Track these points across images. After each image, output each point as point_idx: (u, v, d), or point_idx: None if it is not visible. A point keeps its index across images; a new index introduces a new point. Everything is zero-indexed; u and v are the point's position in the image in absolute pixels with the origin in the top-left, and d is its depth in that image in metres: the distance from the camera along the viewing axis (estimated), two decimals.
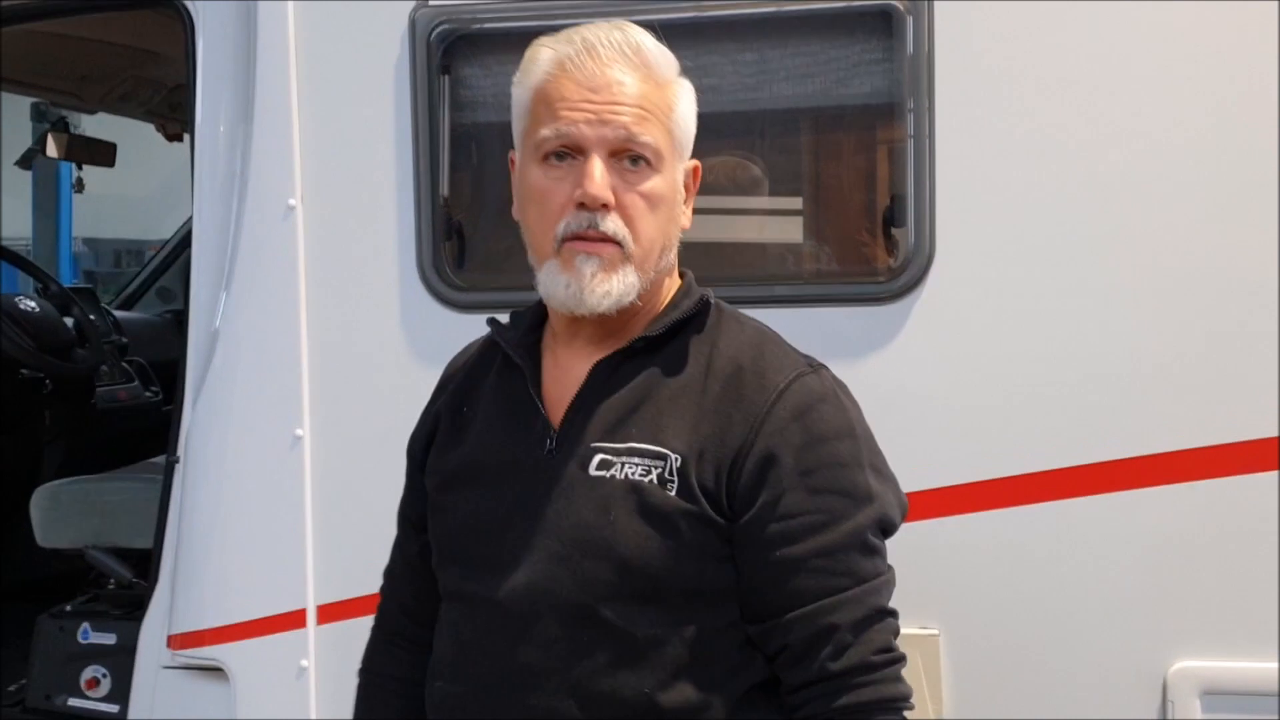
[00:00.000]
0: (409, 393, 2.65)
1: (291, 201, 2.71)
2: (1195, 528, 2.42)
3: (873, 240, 2.57)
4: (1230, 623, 2.41)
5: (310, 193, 2.72)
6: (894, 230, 2.50)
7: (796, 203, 2.65)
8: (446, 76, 2.65)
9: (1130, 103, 2.41)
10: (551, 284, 1.66)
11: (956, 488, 2.45)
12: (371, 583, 2.63)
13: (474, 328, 2.61)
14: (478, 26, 2.64)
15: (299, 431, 2.71)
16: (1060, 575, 2.46)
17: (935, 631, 2.45)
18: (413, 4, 2.64)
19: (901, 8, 2.44)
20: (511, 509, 1.70)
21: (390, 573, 1.98)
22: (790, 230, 2.65)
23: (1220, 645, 2.42)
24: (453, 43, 2.64)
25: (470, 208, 2.75)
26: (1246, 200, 2.39)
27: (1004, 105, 2.44)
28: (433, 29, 2.63)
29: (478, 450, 1.76)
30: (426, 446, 1.86)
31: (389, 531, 2.63)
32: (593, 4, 2.55)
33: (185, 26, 2.90)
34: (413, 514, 1.90)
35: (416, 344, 2.69)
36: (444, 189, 2.67)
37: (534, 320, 1.81)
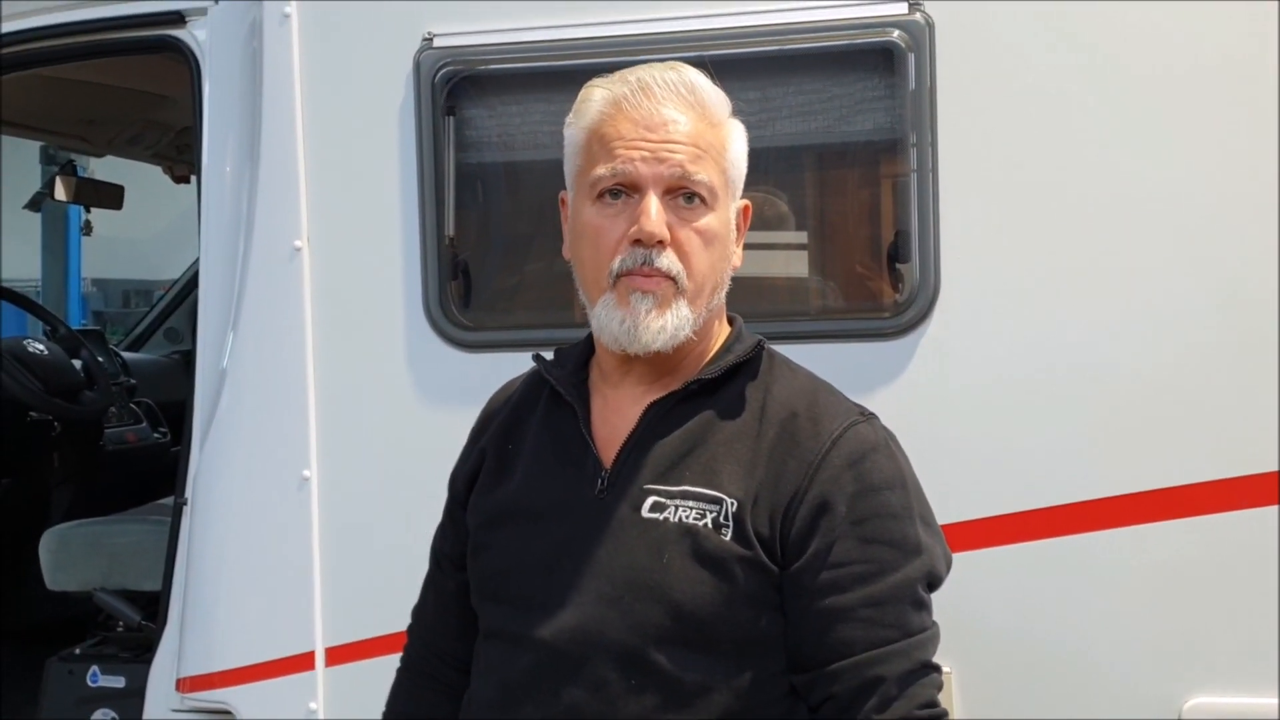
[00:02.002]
0: (416, 432, 2.68)
1: (297, 243, 2.72)
2: (1209, 563, 2.40)
3: (878, 275, 2.57)
4: (1245, 659, 2.39)
5: (316, 234, 2.73)
6: (899, 265, 2.50)
7: (802, 239, 2.65)
8: (451, 117, 2.67)
9: (1133, 135, 2.41)
10: (606, 320, 1.67)
11: (967, 523, 2.43)
12: (380, 624, 2.65)
13: (481, 367, 2.65)
14: (482, 68, 2.65)
15: (306, 473, 2.70)
16: (1073, 611, 2.45)
17: (947, 669, 2.42)
18: (417, 46, 2.66)
19: (903, 45, 2.45)
20: (559, 549, 1.68)
21: (420, 611, 1.96)
22: (796, 266, 2.65)
23: (1235, 681, 2.39)
24: (457, 84, 2.65)
25: (476, 247, 2.76)
26: (1254, 232, 2.38)
27: (1006, 138, 2.45)
28: (437, 70, 2.64)
29: (525, 488, 1.76)
30: (470, 483, 1.85)
31: (397, 573, 2.63)
32: (595, 48, 2.57)
33: (191, 70, 2.93)
34: (452, 551, 1.88)
35: (423, 384, 2.69)
36: (449, 229, 2.67)
37: (581, 358, 1.81)
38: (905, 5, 2.46)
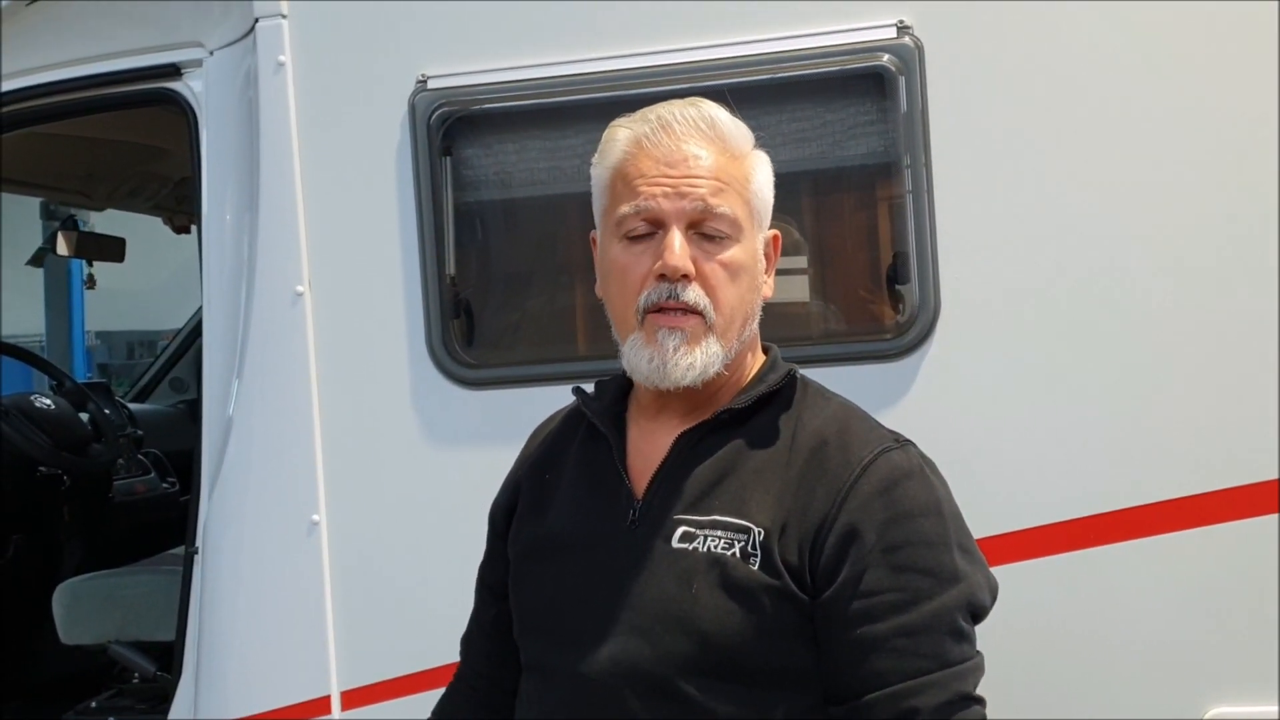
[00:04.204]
0: (423, 471, 2.69)
1: (299, 288, 2.73)
2: (1228, 571, 2.39)
3: (878, 298, 2.58)
4: (1267, 668, 2.37)
5: (318, 278, 2.74)
6: (898, 287, 2.51)
7: (803, 263, 2.66)
8: (448, 157, 2.68)
9: (1125, 148, 2.42)
10: (635, 358, 1.69)
11: (979, 542, 2.43)
12: (395, 666, 2.66)
13: (485, 404, 2.66)
14: (476, 107, 2.67)
15: (315, 517, 2.71)
16: (1091, 624, 2.44)
17: None
18: (412, 88, 2.67)
19: (893, 68, 2.47)
20: (594, 581, 1.70)
21: (467, 640, 1.98)
22: (798, 291, 2.66)
23: (1257, 691, 2.38)
24: (453, 124, 2.67)
25: (477, 285, 2.77)
26: (1254, 242, 2.38)
27: (999, 157, 2.46)
28: (432, 112, 2.66)
29: (561, 521, 1.78)
30: (509, 515, 1.87)
31: (411, 613, 2.65)
32: (588, 83, 2.59)
33: (188, 120, 2.95)
34: (495, 582, 1.89)
35: (429, 423, 2.69)
36: (450, 268, 2.69)
37: (619, 390, 1.83)
38: (894, 29, 2.48)
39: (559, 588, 1.74)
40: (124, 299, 13.10)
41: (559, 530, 1.77)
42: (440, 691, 2.00)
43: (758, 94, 2.51)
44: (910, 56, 2.47)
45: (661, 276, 1.66)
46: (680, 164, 1.67)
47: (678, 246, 1.65)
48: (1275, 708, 2.37)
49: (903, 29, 2.48)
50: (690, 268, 1.65)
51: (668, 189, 1.66)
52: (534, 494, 1.84)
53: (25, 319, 12.55)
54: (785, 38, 2.52)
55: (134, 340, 15.47)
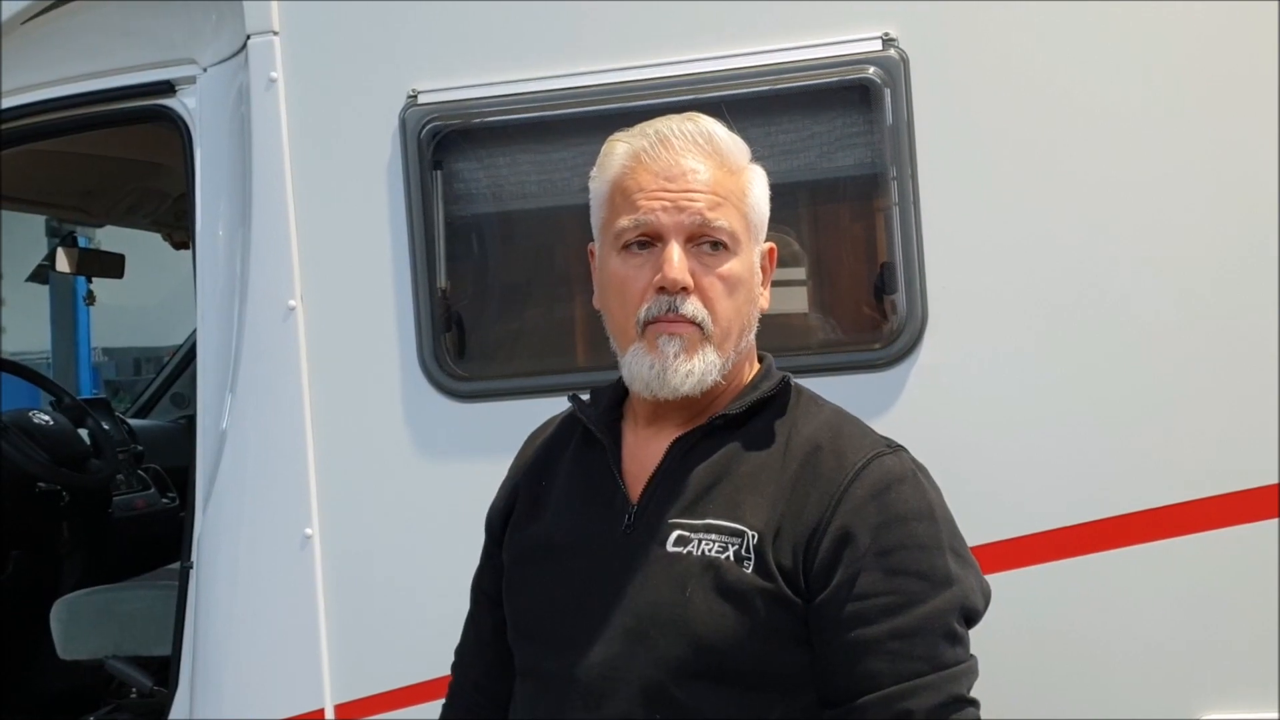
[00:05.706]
0: (415, 485, 2.69)
1: (291, 302, 2.74)
2: (1221, 577, 2.39)
3: (866, 308, 2.58)
4: (1261, 673, 2.37)
5: (310, 293, 2.75)
6: (886, 297, 2.51)
7: (792, 275, 2.67)
8: (439, 171, 2.69)
9: (1112, 157, 2.42)
10: (636, 366, 1.71)
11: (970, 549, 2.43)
12: (388, 679, 2.66)
13: (477, 417, 2.67)
14: (466, 122, 2.68)
15: (308, 530, 2.71)
16: (1082, 630, 2.44)
17: None
18: (402, 103, 2.69)
19: (879, 80, 2.48)
20: (588, 585, 1.71)
21: (461, 650, 1.99)
22: (787, 302, 2.67)
23: (1251, 697, 2.38)
24: (443, 138, 2.68)
25: (468, 298, 2.78)
26: (1250, 246, 2.38)
27: (986, 167, 2.46)
28: (423, 126, 2.67)
29: (556, 525, 1.79)
30: (505, 520, 1.88)
31: (404, 626, 2.66)
32: (577, 97, 2.60)
33: (182, 137, 2.97)
34: (490, 589, 1.90)
35: (421, 436, 2.70)
36: (441, 281, 2.70)
37: (615, 397, 1.85)
38: (879, 42, 2.49)
39: (553, 592, 1.75)
40: (131, 315, 13.14)
41: (554, 535, 1.78)
42: (434, 705, 2.00)
43: (745, 106, 2.52)
44: (896, 69, 2.47)
45: (661, 289, 1.68)
46: (679, 178, 1.70)
47: (676, 260, 1.67)
48: (1267, 713, 2.36)
49: (888, 41, 2.49)
50: (689, 281, 1.68)
51: (666, 203, 1.69)
52: (529, 499, 1.86)
53: (32, 335, 12.59)
54: (772, 50, 2.53)
55: (140, 356, 15.51)
